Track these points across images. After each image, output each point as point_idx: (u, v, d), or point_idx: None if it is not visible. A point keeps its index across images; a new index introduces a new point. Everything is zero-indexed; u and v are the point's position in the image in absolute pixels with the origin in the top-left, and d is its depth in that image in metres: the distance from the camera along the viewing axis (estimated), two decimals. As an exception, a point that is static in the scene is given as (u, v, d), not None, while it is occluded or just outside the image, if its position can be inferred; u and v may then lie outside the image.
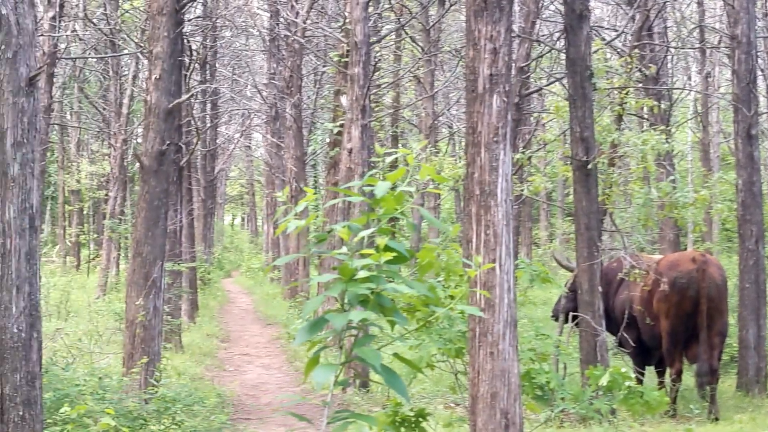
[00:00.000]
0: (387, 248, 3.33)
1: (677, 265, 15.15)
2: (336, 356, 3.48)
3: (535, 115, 27.36)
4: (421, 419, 9.47)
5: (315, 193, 3.61)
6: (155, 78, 13.76)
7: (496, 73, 8.83)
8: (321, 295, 3.44)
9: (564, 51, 14.61)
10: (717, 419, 14.41)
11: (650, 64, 20.05)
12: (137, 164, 14.18)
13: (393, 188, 3.54)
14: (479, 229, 8.82)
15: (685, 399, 15.75)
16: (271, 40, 30.83)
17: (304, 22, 25.26)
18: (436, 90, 27.35)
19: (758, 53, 24.96)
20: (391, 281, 3.41)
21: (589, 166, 14.09)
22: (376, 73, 27.43)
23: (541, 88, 21.88)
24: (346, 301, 3.31)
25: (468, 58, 9.01)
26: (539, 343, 9.83)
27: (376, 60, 26.34)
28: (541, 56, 23.98)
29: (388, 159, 3.77)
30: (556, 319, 16.61)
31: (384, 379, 3.36)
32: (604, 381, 9.26)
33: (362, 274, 3.27)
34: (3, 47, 7.92)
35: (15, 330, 7.92)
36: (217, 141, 37.90)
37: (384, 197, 3.45)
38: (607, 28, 26.62)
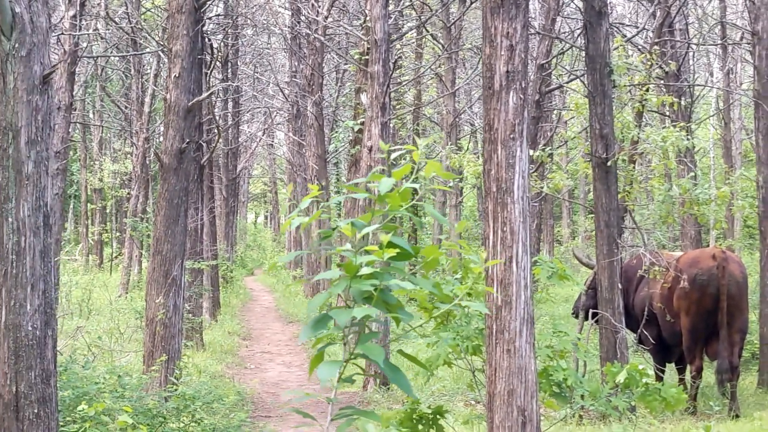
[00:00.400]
0: (391, 245, 3.34)
1: (697, 262, 15.10)
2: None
3: (556, 112, 27.29)
4: (438, 416, 9.47)
5: (320, 190, 3.61)
6: (175, 76, 13.83)
7: (512, 70, 8.82)
8: (325, 292, 3.45)
9: (584, 48, 14.58)
10: (737, 416, 14.36)
11: (671, 61, 19.94)
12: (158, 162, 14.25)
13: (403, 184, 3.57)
14: (496, 226, 8.81)
15: (705, 396, 15.70)
16: (293, 38, 30.85)
17: (325, 20, 25.27)
18: (457, 87, 27.31)
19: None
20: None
21: (609, 163, 14.05)
22: (398, 71, 27.47)
23: (561, 86, 21.83)
24: (350, 297, 3.33)
25: (484, 55, 9.00)
26: (557, 340, 9.79)
27: (397, 57, 26.35)
28: (562, 53, 23.92)
29: (393, 155, 3.77)
30: (577, 316, 16.59)
31: (388, 375, 3.36)
32: (621, 378, 9.22)
33: (365, 270, 3.28)
34: (17, 45, 7.95)
35: (30, 328, 7.95)
36: (240, 139, 37.97)
37: (388, 194, 3.46)
38: (629, 25, 26.51)
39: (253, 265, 50.91)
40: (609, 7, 32.42)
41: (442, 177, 3.70)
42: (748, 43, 20.99)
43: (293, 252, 4.93)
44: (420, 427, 9.30)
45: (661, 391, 9.17)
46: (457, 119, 28.13)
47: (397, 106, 28.88)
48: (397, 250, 3.32)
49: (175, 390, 11.95)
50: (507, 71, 8.81)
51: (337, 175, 46.27)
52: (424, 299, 3.54)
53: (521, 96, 8.85)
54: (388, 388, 16.21)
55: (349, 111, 32.53)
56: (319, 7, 25.70)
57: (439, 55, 26.22)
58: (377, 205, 3.52)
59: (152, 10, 27.50)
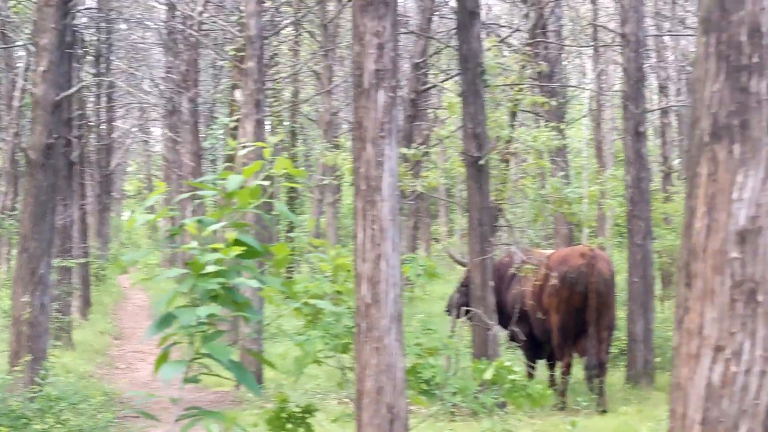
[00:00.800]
0: (238, 242, 3.29)
1: (567, 260, 15.34)
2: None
3: (433, 111, 27.45)
4: (308, 415, 9.43)
5: (168, 186, 3.56)
6: (42, 70, 13.53)
7: (381, 69, 8.81)
8: (173, 290, 3.39)
9: (457, 48, 14.67)
10: (605, 411, 14.62)
11: (543, 62, 20.23)
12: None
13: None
14: (365, 224, 8.79)
15: (574, 392, 15.94)
16: (168, 34, 30.45)
17: (201, 16, 25.00)
18: (334, 85, 27.29)
19: (647, 52, 25.43)
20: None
21: (481, 162, 14.15)
22: (274, 68, 27.31)
23: (435, 85, 21.96)
24: (196, 296, 3.27)
25: (354, 53, 8.99)
26: (426, 338, 9.84)
27: (273, 54, 26.21)
28: (438, 52, 24.06)
29: (241, 152, 3.72)
30: (450, 314, 16.70)
31: (234, 374, 3.32)
32: (488, 375, 9.31)
33: (210, 268, 3.22)
34: None
35: None
36: (113, 135, 37.31)
37: (237, 191, 3.41)
38: (503, 26, 26.81)
39: (128, 264, 49.97)
40: (485, 8, 32.72)
41: (293, 174, 3.66)
42: (618, 45, 21.40)
43: (135, 252, 4.83)
44: (289, 425, 9.26)
45: (527, 388, 9.29)
46: (334, 117, 28.11)
47: (274, 104, 28.71)
48: (245, 248, 3.28)
49: (40, 391, 11.68)
50: (376, 70, 8.80)
51: (214, 172, 45.78)
52: (270, 297, 3.49)
53: (390, 94, 8.85)
54: (261, 387, 16.10)
55: (226, 107, 32.22)
56: (195, 2, 25.42)
57: (314, 53, 26.14)
58: (226, 202, 3.47)
59: (23, 3, 26.83)
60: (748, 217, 4.13)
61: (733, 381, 4.12)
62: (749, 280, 4.12)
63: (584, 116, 32.04)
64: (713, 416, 4.15)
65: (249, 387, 3.27)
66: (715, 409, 4.15)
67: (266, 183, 3.51)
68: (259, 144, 3.69)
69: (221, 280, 3.24)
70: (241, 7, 19.25)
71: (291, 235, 29.92)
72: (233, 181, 3.42)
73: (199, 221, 3.38)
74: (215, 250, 3.29)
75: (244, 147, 3.59)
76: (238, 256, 3.28)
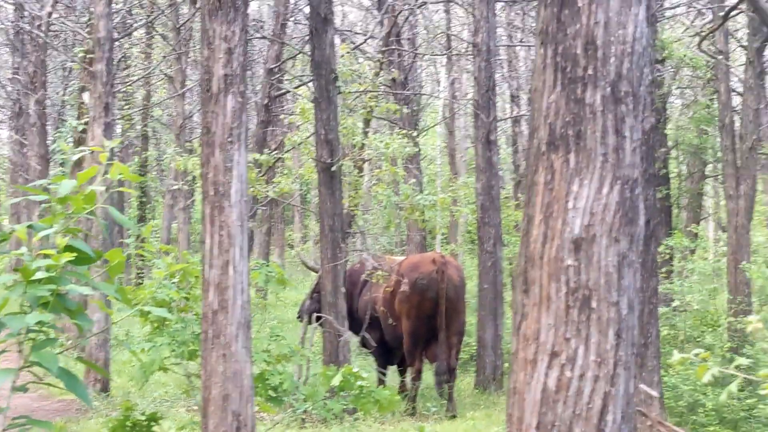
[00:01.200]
0: (69, 248, 3.23)
1: (418, 266, 15.45)
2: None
3: (287, 116, 27.38)
4: (153, 423, 9.32)
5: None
6: None
7: (230, 74, 8.77)
8: (1, 297, 3.31)
9: (311, 54, 14.68)
10: (454, 416, 14.79)
11: (396, 70, 20.39)
12: None
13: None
14: (213, 230, 8.73)
15: (425, 397, 16.09)
16: (15, 34, 29.70)
17: (49, 17, 24.44)
18: (186, 88, 26.99)
19: (498, 61, 25.86)
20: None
21: (334, 169, 14.19)
22: (126, 71, 26.90)
23: (288, 91, 21.93)
24: (26, 303, 3.20)
25: (203, 58, 8.92)
26: (275, 344, 9.81)
27: (124, 56, 25.80)
28: (292, 58, 24.04)
29: (74, 157, 3.66)
30: (302, 320, 16.66)
31: (64, 383, 3.25)
32: (336, 381, 9.33)
33: (40, 275, 3.16)
34: None
35: None
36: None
37: (71, 196, 3.34)
38: (358, 33, 26.93)
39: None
40: (340, 14, 32.79)
41: (130, 179, 3.61)
42: (471, 55, 21.70)
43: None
44: (134, 434, 9.12)
45: (375, 394, 9.33)
46: (187, 121, 27.80)
47: (125, 107, 28.28)
48: (77, 254, 3.22)
49: None
50: (225, 74, 8.75)
51: (63, 175, 44.75)
52: (102, 304, 3.44)
53: (240, 99, 8.80)
54: (108, 395, 15.82)
55: (75, 110, 31.58)
56: (43, 3, 24.84)
57: (164, 56, 25.83)
58: (59, 207, 3.41)
59: None
60: (582, 226, 4.23)
61: (567, 386, 4.21)
62: (584, 287, 4.22)
63: (437, 124, 32.40)
64: (548, 420, 4.23)
65: (79, 395, 3.21)
66: (550, 413, 4.23)
67: (102, 188, 3.45)
68: (95, 148, 3.62)
69: (52, 286, 3.18)
70: (92, 9, 18.88)
71: (128, 241, 29.48)
72: (65, 186, 3.35)
73: (30, 226, 3.30)
74: (46, 256, 3.22)
75: (81, 151, 3.53)
76: (70, 262, 3.21)
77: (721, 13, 15.23)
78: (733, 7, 7.59)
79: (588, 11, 4.23)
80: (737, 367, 4.05)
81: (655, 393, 9.61)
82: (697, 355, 4.32)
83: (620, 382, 4.23)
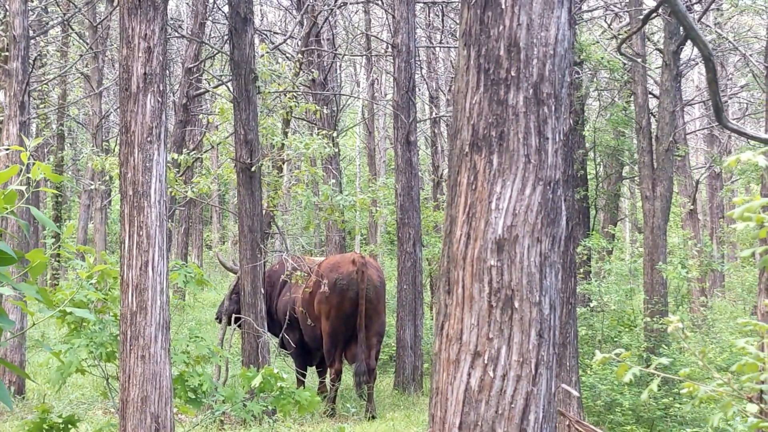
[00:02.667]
0: (-11, 249, 3.17)
1: (338, 267, 15.45)
2: None
3: (206, 116, 27.21)
4: (70, 426, 9.20)
5: None
6: None
7: (150, 72, 8.70)
8: None
9: (230, 54, 14.59)
10: (374, 417, 14.81)
11: (316, 70, 20.36)
12: None
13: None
14: (132, 230, 8.66)
15: (344, 398, 16.09)
16: (-72, 30, 29.14)
17: (-37, 13, 24.00)
18: (103, 87, 26.69)
19: (418, 62, 25.96)
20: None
21: (253, 169, 14.13)
22: (42, 69, 26.50)
23: (207, 90, 21.79)
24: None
25: (121, 57, 8.83)
26: (194, 346, 9.74)
27: (41, 55, 25.42)
28: (211, 57, 23.88)
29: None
30: (221, 321, 16.56)
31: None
32: (256, 382, 9.29)
33: (-44, 276, 3.10)
34: None
35: None
36: None
37: (-11, 195, 3.29)
38: (277, 33, 26.85)
39: None
40: (259, 14, 32.65)
41: (51, 179, 3.56)
42: (390, 55, 21.75)
43: None
44: (50, 437, 8.99)
45: (295, 395, 9.32)
46: (103, 120, 27.48)
47: (41, 105, 27.86)
48: (-3, 255, 3.16)
49: None
50: (144, 73, 8.68)
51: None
52: (23, 305, 3.39)
53: (159, 99, 8.74)
54: (23, 397, 15.58)
55: (-10, 109, 30.98)
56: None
57: (81, 55, 25.51)
58: (-22, 207, 3.34)
59: None
60: (505, 226, 4.25)
61: (490, 385, 4.23)
62: (506, 288, 4.24)
63: (357, 124, 32.44)
64: (471, 420, 4.25)
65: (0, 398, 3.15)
66: (472, 413, 4.25)
67: (22, 188, 3.39)
68: (15, 147, 3.56)
69: (-30, 288, 3.12)
70: (6, 6, 18.59)
71: (50, 241, 29.09)
72: (-15, 185, 3.29)
73: (-52, 227, 3.24)
74: (-36, 257, 3.17)
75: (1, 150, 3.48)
76: (-11, 263, 3.16)
77: (641, 17, 15.47)
78: (653, 11, 7.69)
79: (511, 13, 4.26)
80: (657, 367, 4.12)
81: (575, 392, 9.72)
82: (618, 354, 4.38)
83: (542, 381, 4.27)
